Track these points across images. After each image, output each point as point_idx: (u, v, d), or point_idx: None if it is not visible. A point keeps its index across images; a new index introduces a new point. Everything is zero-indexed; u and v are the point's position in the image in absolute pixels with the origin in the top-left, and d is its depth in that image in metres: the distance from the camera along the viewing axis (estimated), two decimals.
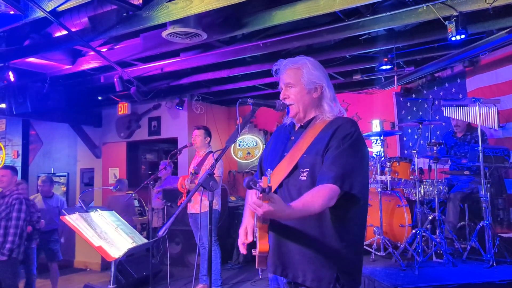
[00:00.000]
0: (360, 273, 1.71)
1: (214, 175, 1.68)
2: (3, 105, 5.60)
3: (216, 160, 1.74)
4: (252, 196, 1.40)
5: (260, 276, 1.76)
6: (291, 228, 1.64)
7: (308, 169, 1.64)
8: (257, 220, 1.62)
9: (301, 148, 1.69)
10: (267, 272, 1.75)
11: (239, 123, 1.75)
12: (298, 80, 1.73)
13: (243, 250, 1.74)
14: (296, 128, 1.82)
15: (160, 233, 1.53)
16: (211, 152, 4.55)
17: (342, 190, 1.55)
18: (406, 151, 6.19)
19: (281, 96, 1.79)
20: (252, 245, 1.72)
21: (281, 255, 1.65)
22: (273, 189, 1.65)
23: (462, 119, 4.21)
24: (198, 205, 4.39)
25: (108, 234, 2.13)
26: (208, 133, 4.73)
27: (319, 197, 1.51)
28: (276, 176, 1.70)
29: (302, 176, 1.64)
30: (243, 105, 1.80)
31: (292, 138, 1.79)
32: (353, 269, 1.67)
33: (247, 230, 1.77)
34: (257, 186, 1.33)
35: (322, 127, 1.71)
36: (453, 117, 4.28)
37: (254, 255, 1.66)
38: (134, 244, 2.16)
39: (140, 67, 5.32)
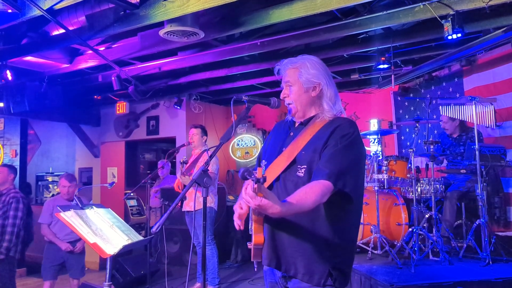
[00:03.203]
0: (351, 269, 1.74)
1: (208, 171, 1.69)
2: (1, 104, 5.60)
3: (210, 157, 1.75)
4: (247, 189, 1.41)
5: (255, 268, 1.77)
6: (286, 221, 1.66)
7: (305, 166, 1.66)
8: (252, 213, 1.63)
9: (300, 145, 1.72)
10: (262, 265, 1.76)
11: (233, 120, 1.77)
12: (296, 80, 1.76)
13: (238, 225, 1.71)
14: (296, 125, 1.85)
15: (154, 229, 1.54)
16: (206, 150, 4.56)
17: (335, 187, 1.56)
18: (404, 150, 6.21)
19: (281, 95, 1.83)
20: (248, 239, 1.72)
21: (275, 247, 1.67)
22: (269, 182, 1.68)
23: (459, 118, 4.22)
24: (193, 202, 4.39)
25: (103, 231, 2.14)
26: (204, 132, 4.75)
27: (312, 193, 1.53)
28: (273, 170, 1.73)
29: (299, 172, 1.67)
30: (238, 103, 1.82)
31: (291, 134, 1.82)
32: (345, 266, 1.69)
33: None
34: (252, 176, 1.34)
35: (321, 126, 1.73)
36: (450, 116, 4.28)
37: (250, 247, 1.67)
38: (129, 241, 2.17)
39: (138, 66, 5.32)
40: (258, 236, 1.58)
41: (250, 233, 1.67)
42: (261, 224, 1.59)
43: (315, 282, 1.61)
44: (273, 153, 1.80)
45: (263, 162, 1.38)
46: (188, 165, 4.57)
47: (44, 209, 4.34)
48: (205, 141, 4.74)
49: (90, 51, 4.72)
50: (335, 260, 1.64)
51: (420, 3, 3.48)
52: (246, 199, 1.39)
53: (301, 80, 1.76)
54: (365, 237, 4.19)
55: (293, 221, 1.65)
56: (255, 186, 1.35)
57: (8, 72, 4.66)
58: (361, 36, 4.59)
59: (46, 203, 4.41)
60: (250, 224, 1.70)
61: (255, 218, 1.58)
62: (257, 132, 7.55)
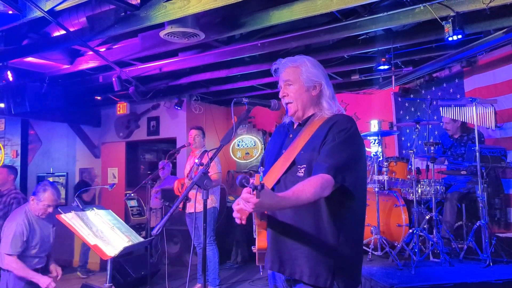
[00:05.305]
0: (360, 272, 1.71)
1: (211, 173, 1.70)
2: (2, 105, 5.60)
3: (211, 159, 1.75)
4: (242, 193, 1.41)
5: (261, 272, 1.76)
6: (288, 225, 1.64)
7: (305, 165, 1.65)
8: (255, 217, 1.62)
9: (299, 145, 1.70)
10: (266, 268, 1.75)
11: (234, 122, 1.77)
12: (297, 78, 1.75)
13: (240, 219, 1.66)
14: (295, 126, 1.83)
15: (155, 231, 1.54)
16: (206, 151, 4.57)
17: (335, 181, 1.55)
18: (404, 151, 6.20)
19: (280, 94, 1.80)
20: (252, 243, 1.72)
21: (279, 251, 1.66)
22: (270, 186, 1.66)
23: (459, 119, 4.22)
24: (196, 204, 4.40)
25: (104, 232, 2.14)
26: (204, 133, 4.81)
27: (310, 185, 1.51)
28: (273, 173, 1.71)
29: (299, 172, 1.65)
30: (239, 105, 1.82)
31: (291, 136, 1.80)
32: (351, 267, 1.67)
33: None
34: (250, 184, 1.34)
35: (320, 124, 1.72)
36: (451, 117, 4.28)
37: (254, 252, 1.66)
38: (130, 243, 2.17)
39: (139, 67, 5.33)
40: (261, 240, 1.57)
41: (254, 236, 1.67)
42: (264, 228, 1.59)
43: (321, 284, 1.60)
44: (273, 157, 1.79)
45: (261, 169, 1.37)
46: (191, 167, 4.58)
47: (13, 235, 2.99)
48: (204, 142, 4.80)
49: (91, 52, 4.72)
50: (340, 260, 1.62)
51: (421, 4, 3.48)
52: (242, 203, 1.39)
53: (302, 79, 1.75)
54: (366, 238, 4.18)
55: (296, 224, 1.64)
56: (254, 193, 1.34)
57: (9, 72, 4.67)
58: (361, 37, 4.59)
59: (16, 226, 3.03)
60: (254, 228, 1.70)
61: (258, 223, 1.57)
62: (257, 132, 7.55)
